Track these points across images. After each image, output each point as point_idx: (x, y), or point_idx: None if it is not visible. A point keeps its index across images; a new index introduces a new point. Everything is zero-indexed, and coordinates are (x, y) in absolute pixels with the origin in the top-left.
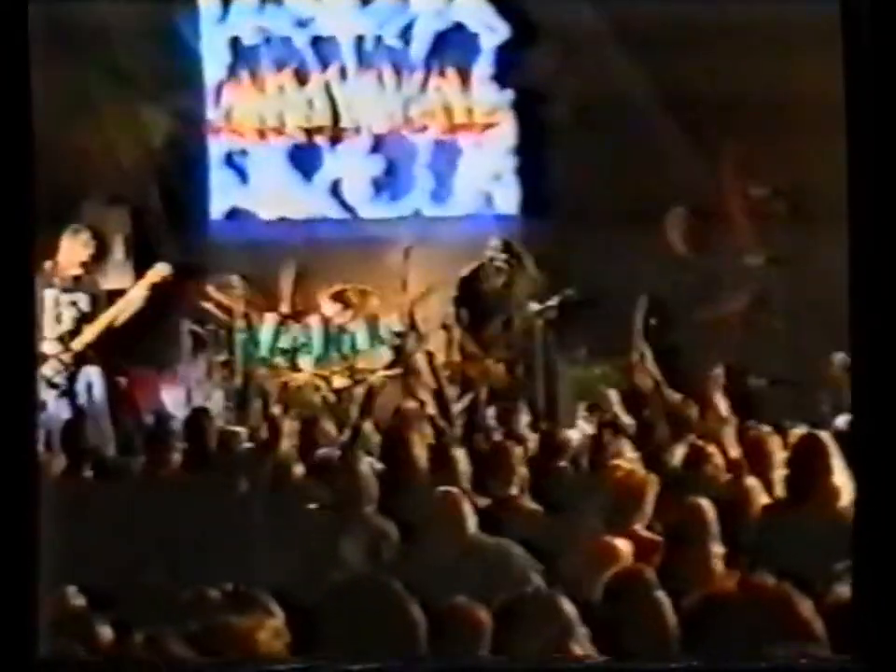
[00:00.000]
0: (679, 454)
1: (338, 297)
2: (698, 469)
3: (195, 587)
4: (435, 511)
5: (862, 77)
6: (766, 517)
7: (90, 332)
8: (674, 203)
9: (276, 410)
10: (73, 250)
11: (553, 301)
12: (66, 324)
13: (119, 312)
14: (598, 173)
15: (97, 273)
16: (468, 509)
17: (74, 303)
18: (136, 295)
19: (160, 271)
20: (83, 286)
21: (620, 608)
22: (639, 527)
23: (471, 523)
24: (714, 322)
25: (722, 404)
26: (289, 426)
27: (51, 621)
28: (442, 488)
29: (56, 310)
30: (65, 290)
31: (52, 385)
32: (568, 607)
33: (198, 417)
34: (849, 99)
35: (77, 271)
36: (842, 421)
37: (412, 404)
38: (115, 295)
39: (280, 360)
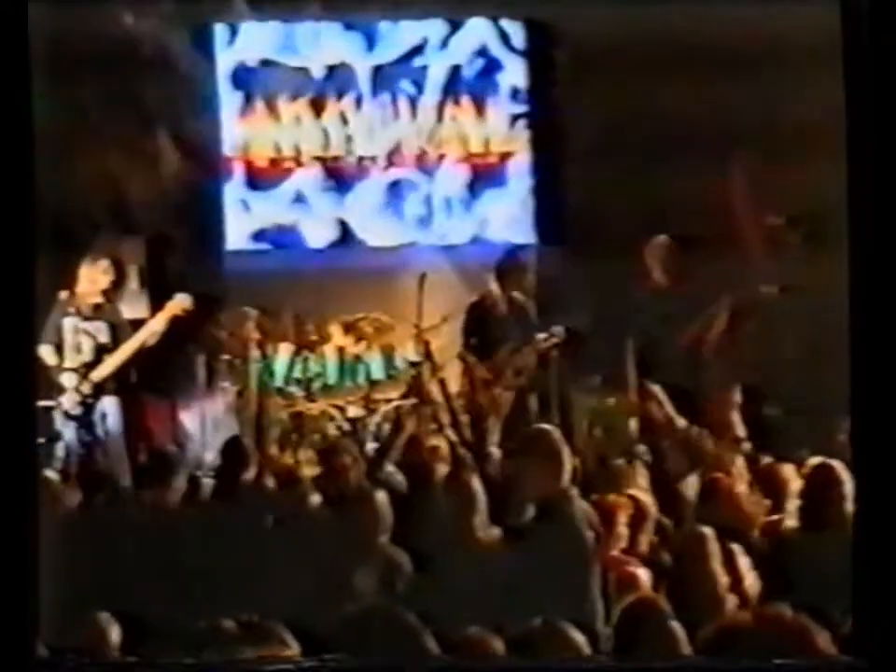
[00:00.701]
0: (692, 484)
1: (352, 326)
2: (712, 500)
3: (210, 618)
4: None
5: (863, 81)
6: (780, 546)
7: (110, 364)
8: (688, 230)
9: (292, 439)
10: (92, 278)
11: (557, 331)
12: (86, 354)
13: (139, 343)
14: (614, 201)
15: (117, 302)
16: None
17: (93, 333)
18: (157, 326)
19: (180, 302)
20: (103, 314)
21: (634, 636)
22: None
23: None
24: (691, 344)
25: (739, 428)
26: (305, 455)
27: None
28: None
29: (76, 339)
30: (85, 319)
31: (70, 417)
32: (579, 637)
33: (234, 445)
34: (850, 103)
35: (98, 299)
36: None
37: (429, 433)
38: (133, 324)
39: (295, 390)
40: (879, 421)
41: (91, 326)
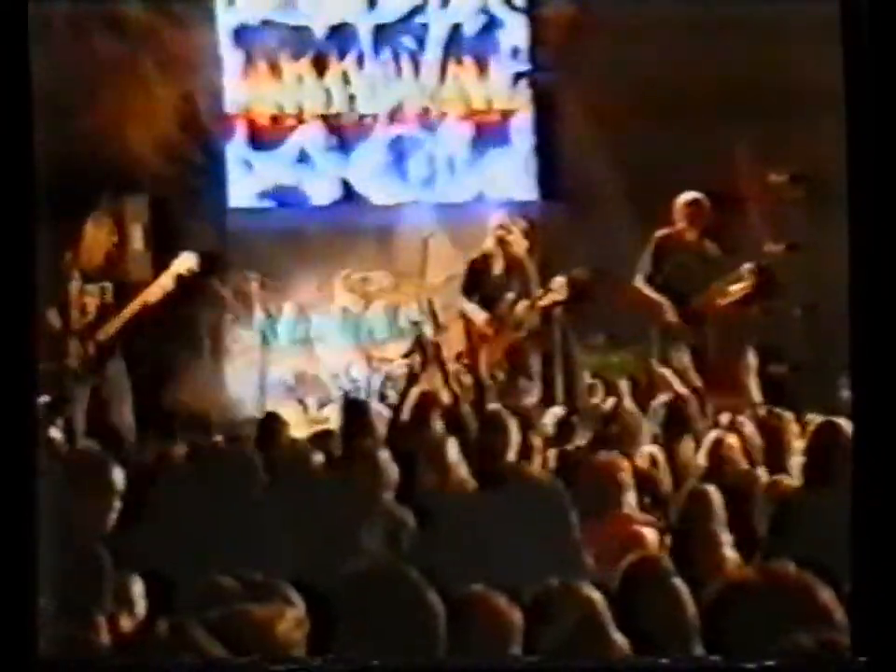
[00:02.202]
0: (698, 442)
1: (356, 285)
2: (715, 458)
3: (214, 576)
4: None
5: (862, 77)
6: (784, 504)
7: (115, 324)
8: (689, 189)
9: (297, 398)
10: (97, 239)
11: (559, 283)
12: (91, 315)
13: (144, 302)
14: (616, 158)
15: (121, 263)
16: None
17: (98, 293)
18: (162, 285)
19: (185, 261)
20: (108, 275)
21: (638, 596)
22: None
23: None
24: (707, 306)
25: (755, 390)
26: (309, 414)
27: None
28: None
29: (81, 300)
30: (90, 280)
31: (77, 377)
32: (596, 595)
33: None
34: (849, 100)
35: (102, 260)
36: None
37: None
38: (137, 285)
39: (299, 349)
40: (880, 386)
41: (96, 286)
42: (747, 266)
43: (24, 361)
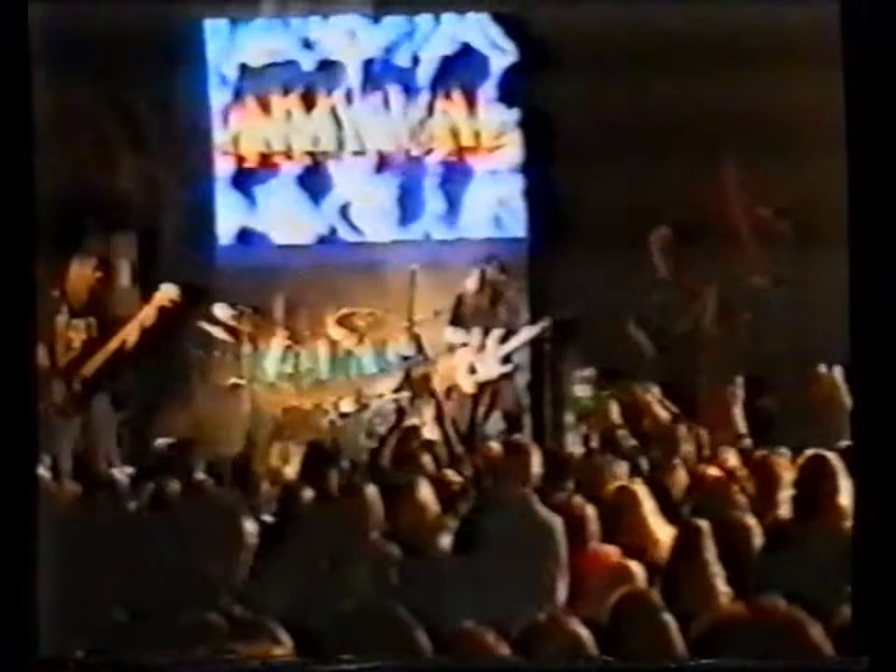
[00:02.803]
0: (681, 476)
1: (345, 321)
2: (701, 491)
3: (201, 614)
4: None
5: (863, 80)
6: (774, 538)
7: (99, 357)
8: (676, 223)
9: (285, 434)
10: (82, 276)
11: (546, 323)
12: (76, 350)
13: (128, 335)
14: (605, 194)
15: (106, 299)
16: None
17: (83, 329)
18: (144, 317)
19: (167, 293)
20: (94, 310)
21: (627, 629)
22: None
23: None
24: (688, 335)
25: (740, 421)
26: (297, 450)
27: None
28: None
29: (66, 335)
30: (75, 316)
31: (62, 413)
32: (583, 631)
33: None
34: (849, 102)
35: (86, 296)
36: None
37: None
38: (124, 320)
39: (287, 385)
40: (880, 418)
41: (82, 321)
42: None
43: (23, 397)
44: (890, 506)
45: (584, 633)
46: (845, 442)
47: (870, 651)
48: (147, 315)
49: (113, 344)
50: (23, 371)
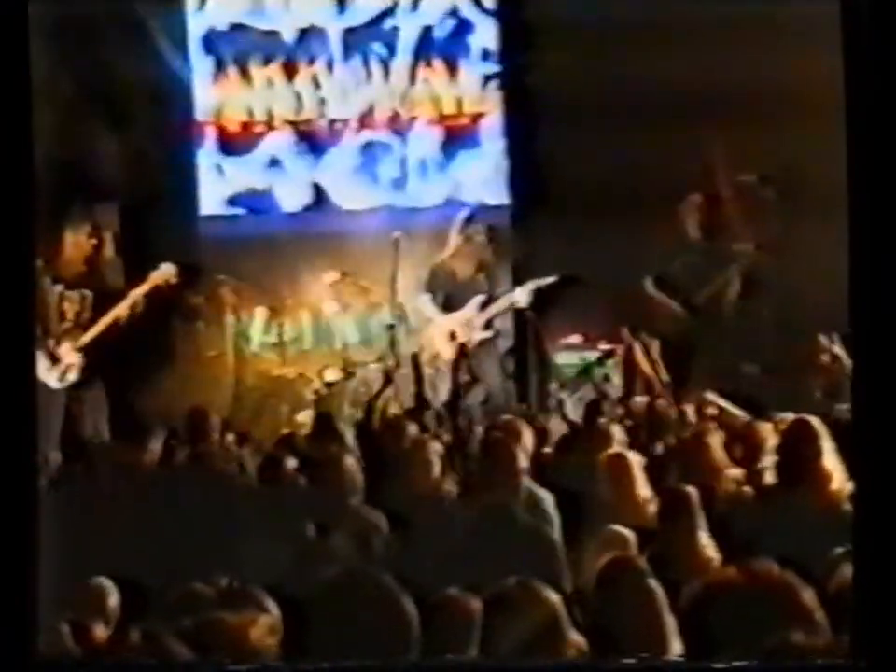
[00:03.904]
0: (667, 442)
1: (328, 290)
2: (687, 458)
3: (188, 584)
4: None
5: (862, 74)
6: (759, 503)
7: (92, 332)
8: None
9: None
10: (76, 244)
11: (532, 286)
12: (69, 322)
13: (121, 312)
14: (586, 162)
15: (99, 270)
16: None
17: (79, 300)
18: (139, 295)
19: (165, 272)
20: (88, 282)
21: (613, 596)
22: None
23: None
24: (709, 303)
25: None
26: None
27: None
28: None
29: (60, 307)
30: (70, 287)
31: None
32: (553, 597)
33: (197, 415)
34: (849, 98)
35: (82, 267)
36: (834, 407)
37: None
38: (111, 293)
39: (271, 355)
40: (879, 403)
41: (77, 293)
42: (733, 268)
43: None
44: (890, 506)
45: (556, 598)
46: (839, 407)
47: (870, 651)
48: (143, 292)
49: (106, 320)
50: (22, 360)
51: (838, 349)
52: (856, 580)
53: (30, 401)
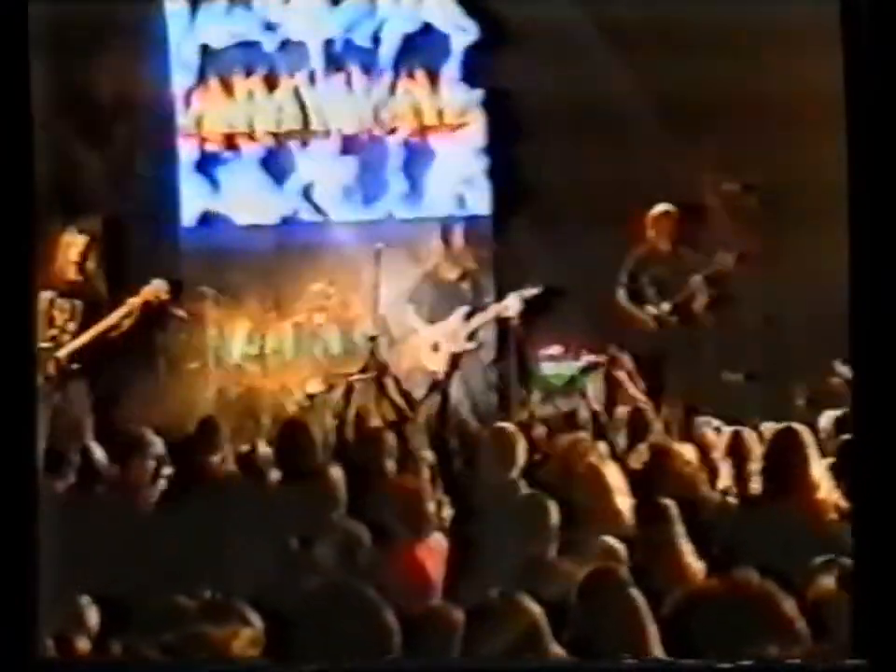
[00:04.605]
0: (644, 453)
1: (311, 301)
2: (665, 469)
3: (171, 597)
4: None
5: (862, 75)
6: (744, 512)
7: (77, 343)
8: (642, 200)
9: (251, 415)
10: (67, 249)
11: (517, 297)
12: (56, 330)
13: (109, 325)
14: (568, 171)
15: (92, 278)
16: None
17: (69, 309)
18: (130, 310)
19: (156, 288)
20: (78, 291)
21: (594, 607)
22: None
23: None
24: (678, 307)
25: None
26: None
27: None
28: None
29: (49, 313)
30: (62, 295)
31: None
32: (535, 608)
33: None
34: (849, 98)
35: (75, 274)
36: (817, 415)
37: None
38: (94, 304)
39: (253, 366)
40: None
41: (67, 302)
42: (697, 278)
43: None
44: (890, 505)
45: (537, 609)
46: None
47: (870, 651)
48: (133, 306)
49: (94, 332)
50: (23, 362)
51: (835, 365)
52: (856, 579)
53: (30, 406)
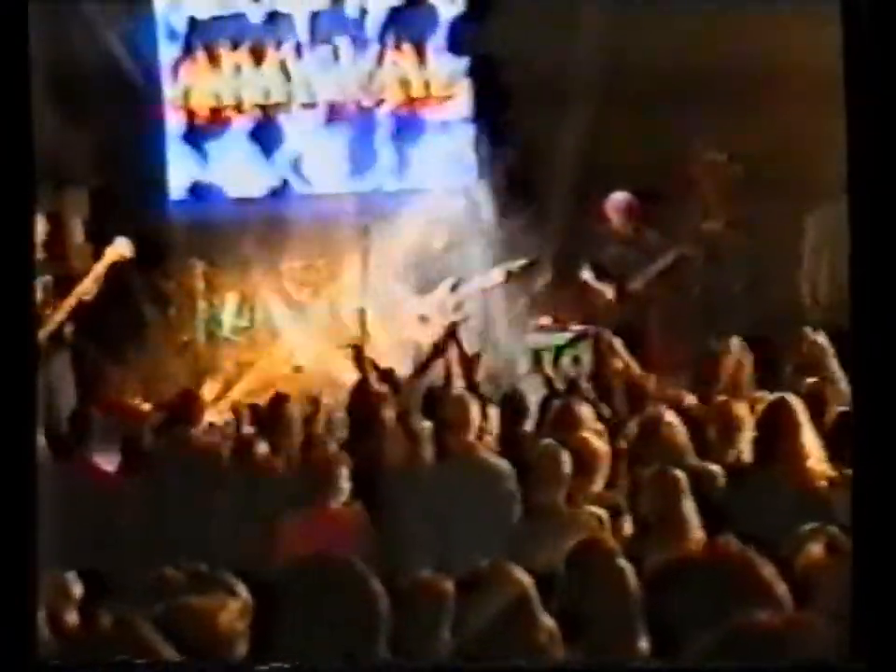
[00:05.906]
0: (637, 423)
1: (297, 274)
2: (659, 437)
3: (158, 568)
4: None
5: (862, 74)
6: (735, 480)
7: (56, 317)
8: (628, 174)
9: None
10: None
11: (503, 268)
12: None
13: (83, 293)
14: (557, 143)
15: (64, 256)
16: None
17: (41, 287)
18: (96, 273)
19: (118, 247)
20: (49, 268)
21: (582, 577)
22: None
23: None
24: (646, 288)
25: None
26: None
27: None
28: None
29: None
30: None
31: None
32: (525, 578)
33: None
34: (849, 98)
35: (40, 254)
36: (803, 382)
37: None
38: (78, 277)
39: (242, 339)
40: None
41: (39, 281)
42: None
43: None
44: (890, 504)
45: (528, 580)
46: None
47: (869, 651)
48: (100, 268)
49: (70, 301)
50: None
51: (809, 332)
52: (855, 579)
53: (30, 398)
